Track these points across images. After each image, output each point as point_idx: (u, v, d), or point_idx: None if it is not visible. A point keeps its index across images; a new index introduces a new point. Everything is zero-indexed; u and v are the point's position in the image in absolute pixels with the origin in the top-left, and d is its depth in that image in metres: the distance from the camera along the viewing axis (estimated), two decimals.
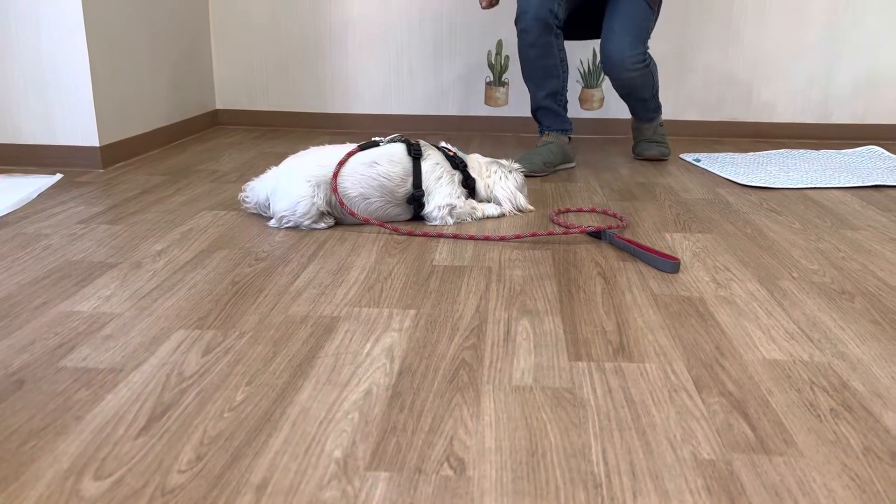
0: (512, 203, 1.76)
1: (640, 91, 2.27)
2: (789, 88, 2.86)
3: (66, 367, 0.98)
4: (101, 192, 1.90)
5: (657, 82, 2.29)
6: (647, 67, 2.19)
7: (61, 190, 1.92)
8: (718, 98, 2.89)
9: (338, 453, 0.80)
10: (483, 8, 2.27)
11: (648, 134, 2.43)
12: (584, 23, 2.28)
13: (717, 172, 2.24)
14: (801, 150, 2.58)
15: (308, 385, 0.94)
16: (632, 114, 2.43)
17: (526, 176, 2.10)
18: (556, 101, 2.27)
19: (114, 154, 2.21)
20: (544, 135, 2.30)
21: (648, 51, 2.19)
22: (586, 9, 2.24)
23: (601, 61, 2.21)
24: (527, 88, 2.30)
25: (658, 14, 2.25)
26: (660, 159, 2.44)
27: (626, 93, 2.30)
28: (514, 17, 2.19)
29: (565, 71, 2.24)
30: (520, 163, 2.13)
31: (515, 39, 2.20)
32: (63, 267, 1.36)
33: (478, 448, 0.81)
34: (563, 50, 2.22)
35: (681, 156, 2.49)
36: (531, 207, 1.80)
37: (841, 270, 1.40)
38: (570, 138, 2.32)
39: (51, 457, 0.79)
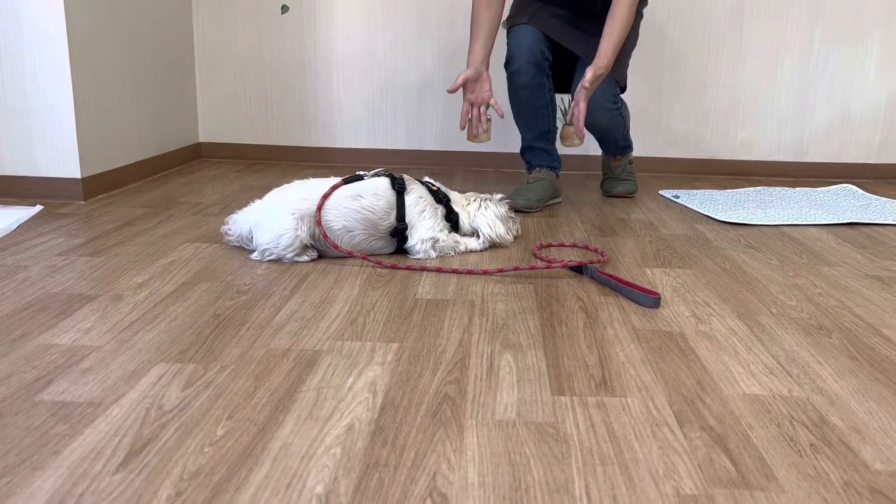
0: (491, 229, 1.75)
1: (612, 132, 2.33)
2: (765, 127, 2.93)
3: (44, 401, 0.96)
4: (81, 224, 1.89)
5: (628, 125, 2.37)
6: (619, 111, 2.24)
7: (41, 221, 1.91)
8: (697, 137, 2.94)
9: (319, 489, 0.79)
10: (469, 140, 2.17)
11: (617, 172, 2.47)
12: (557, 74, 2.30)
13: (696, 209, 2.27)
14: (778, 188, 2.63)
15: (290, 420, 0.93)
16: (602, 148, 2.47)
17: (519, 211, 2.12)
18: (547, 139, 2.29)
19: (95, 186, 2.20)
20: (534, 171, 2.30)
21: (621, 95, 2.24)
22: (561, 62, 2.26)
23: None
24: (516, 127, 2.31)
25: (630, 56, 2.27)
26: (627, 196, 2.47)
27: (598, 135, 2.36)
28: (501, 59, 2.20)
29: (554, 110, 2.27)
30: (514, 197, 2.16)
31: (499, 78, 2.23)
32: (42, 299, 1.34)
33: (461, 483, 0.81)
34: (552, 90, 2.25)
35: (660, 192, 2.53)
36: (509, 238, 1.80)
37: (818, 306, 1.42)
38: (558, 174, 2.34)
39: (27, 493, 0.77)
